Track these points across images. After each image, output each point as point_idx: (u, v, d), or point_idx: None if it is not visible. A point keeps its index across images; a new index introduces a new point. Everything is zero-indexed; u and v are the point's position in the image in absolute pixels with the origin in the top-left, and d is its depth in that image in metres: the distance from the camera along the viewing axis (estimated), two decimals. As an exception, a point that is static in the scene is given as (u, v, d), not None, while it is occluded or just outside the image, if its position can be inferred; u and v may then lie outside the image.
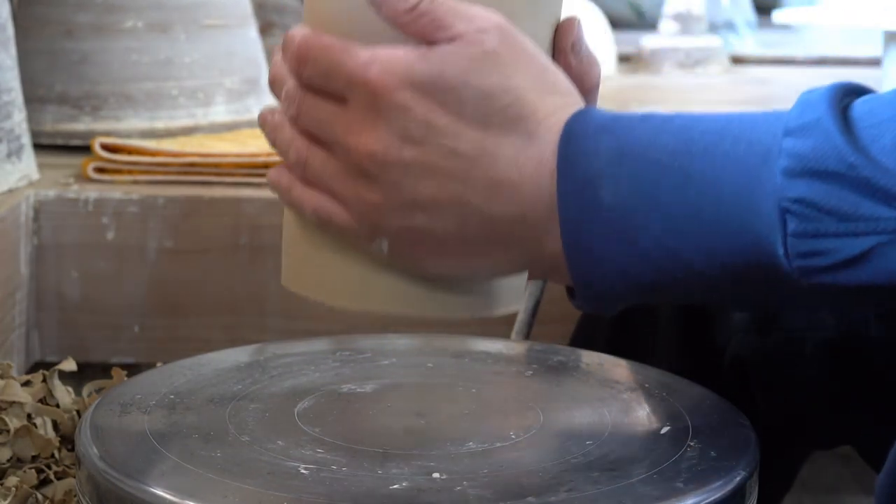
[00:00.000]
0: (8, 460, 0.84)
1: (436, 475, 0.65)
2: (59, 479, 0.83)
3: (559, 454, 0.68)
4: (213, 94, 1.41)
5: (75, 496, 0.79)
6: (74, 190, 1.19)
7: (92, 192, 1.19)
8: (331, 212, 0.65)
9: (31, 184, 1.21)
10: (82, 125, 1.35)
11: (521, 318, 0.92)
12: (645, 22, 3.02)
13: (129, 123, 1.36)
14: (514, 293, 0.71)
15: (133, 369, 1.01)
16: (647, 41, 2.35)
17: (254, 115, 1.45)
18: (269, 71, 0.68)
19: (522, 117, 0.63)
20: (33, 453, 0.85)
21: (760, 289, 0.61)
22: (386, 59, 0.62)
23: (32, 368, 1.15)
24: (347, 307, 0.68)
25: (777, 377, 0.85)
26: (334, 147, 0.64)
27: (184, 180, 1.23)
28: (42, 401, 0.88)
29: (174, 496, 0.63)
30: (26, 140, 1.22)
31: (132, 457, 0.68)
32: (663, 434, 0.71)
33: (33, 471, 0.82)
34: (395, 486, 0.64)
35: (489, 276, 0.68)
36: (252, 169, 1.24)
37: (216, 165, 1.24)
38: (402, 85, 0.62)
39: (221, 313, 1.19)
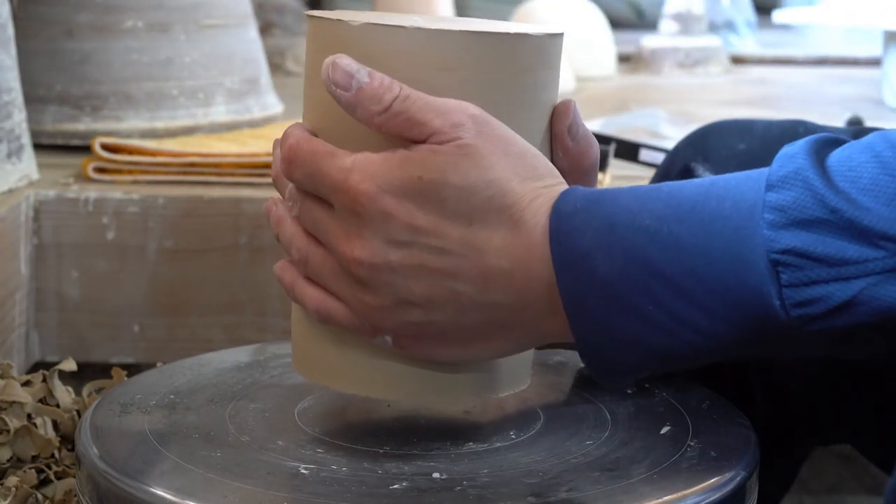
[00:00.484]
0: (8, 460, 0.84)
1: (436, 475, 0.65)
2: (59, 479, 0.83)
3: (559, 454, 0.68)
4: (213, 94, 1.41)
5: (75, 496, 0.79)
6: (74, 190, 1.19)
7: (92, 192, 1.19)
8: (331, 310, 0.66)
9: (31, 184, 1.21)
10: (82, 125, 1.35)
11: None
12: (645, 22, 3.02)
13: (130, 123, 1.36)
14: (523, 370, 0.72)
15: (133, 369, 1.01)
16: (647, 41, 2.35)
17: (254, 115, 1.45)
18: (272, 167, 0.69)
19: (506, 206, 0.63)
20: (33, 453, 0.85)
21: (768, 341, 0.62)
22: (365, 165, 0.63)
23: (32, 368, 1.15)
24: (356, 393, 0.69)
25: (777, 377, 0.85)
26: (330, 248, 0.65)
27: (184, 180, 1.23)
28: (42, 401, 0.88)
29: (174, 496, 0.63)
30: (26, 140, 1.22)
31: (132, 457, 0.68)
32: (663, 434, 0.71)
33: (33, 471, 0.82)
34: (395, 486, 0.64)
35: (494, 357, 0.69)
36: (252, 169, 1.24)
37: (216, 165, 1.24)
38: (382, 191, 0.63)
39: (221, 313, 1.19)
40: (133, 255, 1.18)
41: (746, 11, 2.69)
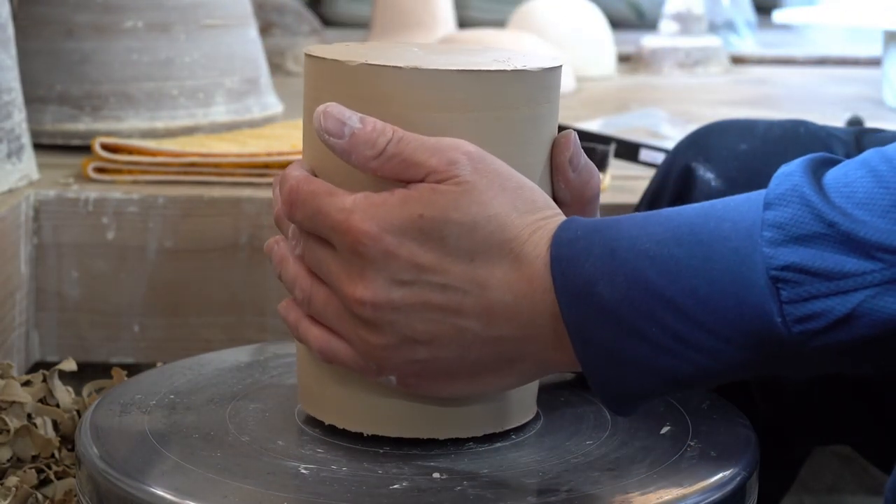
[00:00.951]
0: (8, 460, 0.84)
1: (436, 475, 0.65)
2: (59, 479, 0.83)
3: (559, 454, 0.68)
4: (213, 94, 1.41)
5: (75, 496, 0.79)
6: (74, 190, 1.19)
7: (92, 192, 1.19)
8: (336, 350, 0.67)
9: (31, 184, 1.21)
10: (82, 125, 1.35)
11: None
12: (645, 22, 3.02)
13: (130, 123, 1.36)
14: (530, 400, 0.72)
15: (133, 369, 1.01)
16: (647, 41, 2.35)
17: (254, 115, 1.45)
18: (273, 208, 0.70)
19: (507, 241, 0.64)
20: (33, 453, 0.85)
21: (774, 360, 0.62)
22: (365, 206, 0.64)
23: (32, 368, 1.15)
24: (364, 431, 0.69)
25: (777, 377, 0.85)
26: (333, 288, 0.66)
27: (184, 180, 1.23)
28: (42, 401, 0.88)
29: (174, 496, 0.63)
30: (26, 140, 1.22)
31: (132, 457, 0.68)
32: (663, 434, 0.71)
33: (33, 471, 0.82)
34: (395, 486, 0.64)
35: (501, 391, 0.69)
36: (252, 169, 1.24)
37: (216, 165, 1.24)
38: (384, 231, 0.63)
39: (221, 313, 1.19)
40: (133, 255, 1.18)
41: (746, 11, 2.69)
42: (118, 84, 1.36)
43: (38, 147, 1.29)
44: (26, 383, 0.89)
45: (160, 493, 0.64)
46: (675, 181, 0.89)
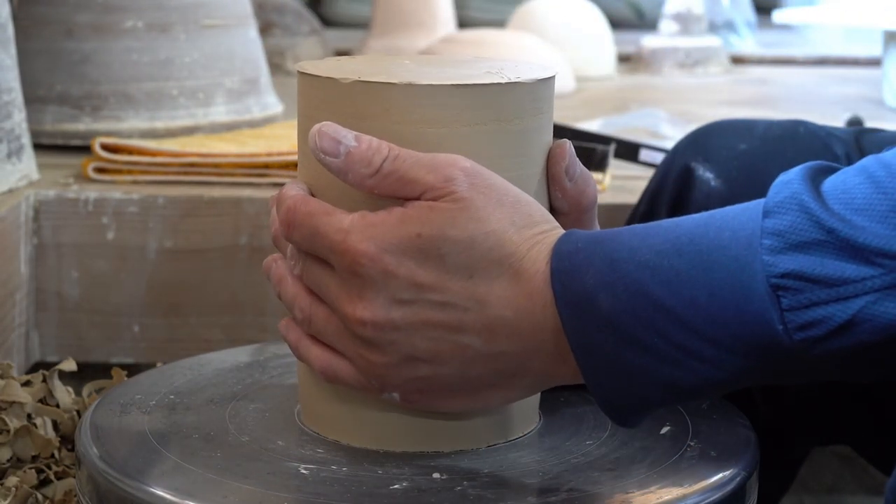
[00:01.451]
0: (8, 460, 0.84)
1: (436, 475, 0.65)
2: (59, 479, 0.83)
3: (559, 454, 0.68)
4: (213, 94, 1.41)
5: (75, 496, 0.79)
6: (74, 190, 1.19)
7: (92, 192, 1.19)
8: (337, 369, 0.67)
9: (31, 184, 1.21)
10: (82, 125, 1.35)
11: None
12: (645, 22, 3.03)
13: (130, 123, 1.36)
14: (533, 412, 0.72)
15: (133, 369, 1.01)
16: (647, 41, 2.35)
17: (254, 115, 1.45)
18: (271, 227, 0.69)
19: (505, 256, 0.64)
20: (33, 453, 0.85)
21: (777, 369, 0.62)
22: (363, 226, 0.64)
23: (32, 368, 1.15)
24: (369, 447, 0.69)
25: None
26: (333, 308, 0.66)
27: (184, 180, 1.23)
28: (42, 401, 0.88)
29: (174, 496, 0.63)
30: (26, 140, 1.22)
31: (132, 457, 0.68)
32: (663, 434, 0.71)
33: (33, 471, 0.82)
34: (395, 486, 0.64)
35: (503, 405, 0.69)
36: (252, 169, 1.24)
37: (216, 165, 1.24)
38: (382, 251, 0.63)
39: (221, 313, 1.19)
40: (133, 255, 1.18)
41: (746, 11, 2.69)
42: (118, 84, 1.36)
43: (38, 147, 1.29)
44: (26, 383, 0.89)
45: (160, 493, 0.64)
46: (675, 181, 0.89)
